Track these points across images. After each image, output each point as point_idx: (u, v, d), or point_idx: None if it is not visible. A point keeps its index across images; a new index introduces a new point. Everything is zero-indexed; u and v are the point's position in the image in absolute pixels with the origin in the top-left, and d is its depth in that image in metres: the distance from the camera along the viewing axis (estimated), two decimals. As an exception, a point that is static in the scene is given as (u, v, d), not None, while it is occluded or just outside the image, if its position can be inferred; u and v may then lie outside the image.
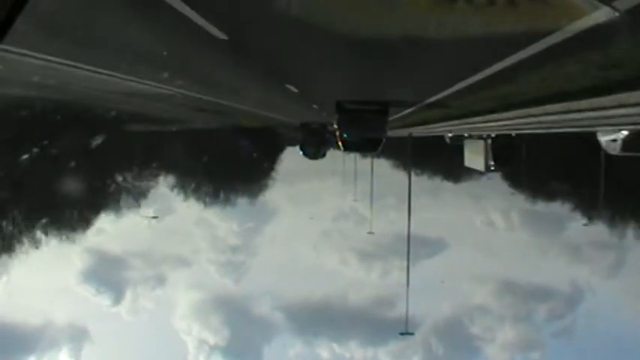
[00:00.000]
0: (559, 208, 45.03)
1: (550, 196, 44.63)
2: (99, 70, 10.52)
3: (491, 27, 6.45)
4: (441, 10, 6.19)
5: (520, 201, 48.16)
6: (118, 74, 11.23)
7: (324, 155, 39.86)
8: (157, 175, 44.30)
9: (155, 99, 16.40)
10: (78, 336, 40.84)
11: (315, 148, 37.70)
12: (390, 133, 29.88)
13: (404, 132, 31.99)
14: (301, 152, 38.44)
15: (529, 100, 11.54)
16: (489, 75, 8.93)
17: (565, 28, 5.83)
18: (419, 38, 7.26)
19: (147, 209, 43.76)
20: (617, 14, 4.97)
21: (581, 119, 12.25)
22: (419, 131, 31.08)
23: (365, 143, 19.48)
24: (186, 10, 6.35)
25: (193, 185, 46.90)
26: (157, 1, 6.45)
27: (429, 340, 42.57)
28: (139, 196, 42.19)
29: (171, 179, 46.17)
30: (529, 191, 46.11)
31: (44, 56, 8.92)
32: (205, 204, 48.11)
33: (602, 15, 5.12)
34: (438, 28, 6.74)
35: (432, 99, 13.83)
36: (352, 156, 44.78)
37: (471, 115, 16.75)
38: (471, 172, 47.20)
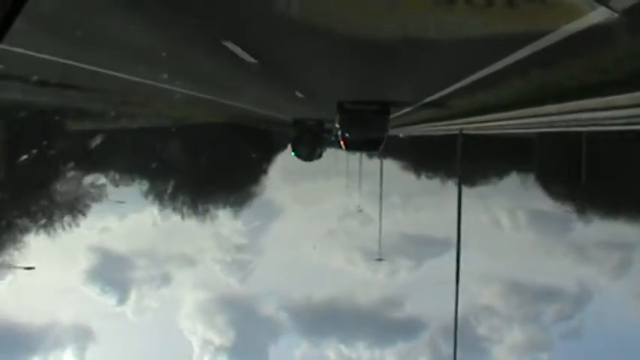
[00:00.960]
0: None
1: None
2: (97, 69, 10.55)
3: (489, 27, 6.47)
4: (440, 11, 6.22)
5: None
6: (117, 73, 11.24)
7: (320, 156, 34.93)
8: (130, 181, 37.60)
9: (151, 95, 16.28)
10: (82, 336, 40.56)
11: (309, 148, 32.90)
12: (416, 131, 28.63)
13: (448, 127, 27.33)
14: (292, 153, 33.47)
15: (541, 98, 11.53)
16: (489, 74, 8.95)
17: (562, 29, 5.85)
18: (419, 38, 7.28)
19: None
20: (614, 14, 4.99)
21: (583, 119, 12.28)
22: (477, 127, 21.96)
23: (366, 142, 19.69)
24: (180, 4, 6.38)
25: (170, 191, 40.60)
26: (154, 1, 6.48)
27: (436, 341, 41.70)
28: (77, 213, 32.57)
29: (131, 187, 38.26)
30: None
31: (44, 56, 8.94)
32: (183, 215, 40.92)
33: (599, 15, 5.14)
34: (438, 28, 6.76)
35: (440, 95, 13.65)
36: (357, 155, 40.94)
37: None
38: (488, 176, 42.11)
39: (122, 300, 37.68)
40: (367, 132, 18.16)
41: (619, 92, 8.60)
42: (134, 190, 38.34)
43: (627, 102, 9.02)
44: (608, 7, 4.85)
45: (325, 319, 40.61)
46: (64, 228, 31.34)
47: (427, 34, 7.12)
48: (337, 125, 18.41)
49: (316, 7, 6.74)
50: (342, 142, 19.44)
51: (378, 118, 17.29)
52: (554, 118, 12.60)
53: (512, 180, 42.57)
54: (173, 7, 6.50)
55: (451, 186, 41.25)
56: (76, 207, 31.75)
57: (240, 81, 14.03)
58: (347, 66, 10.60)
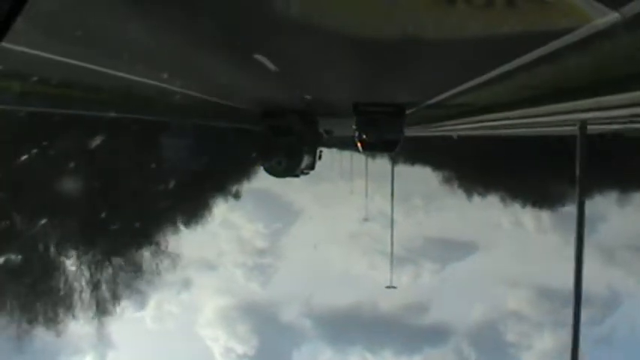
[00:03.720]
0: None
1: None
2: (97, 68, 10.52)
3: (494, 29, 6.46)
4: (443, 11, 6.20)
5: None
6: (117, 72, 11.20)
7: (311, 167, 23.10)
8: None
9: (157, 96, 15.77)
10: (102, 342, 39.35)
11: (288, 158, 20.45)
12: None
13: (453, 127, 22.75)
14: (262, 166, 21.44)
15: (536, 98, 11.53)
16: (492, 74, 8.95)
17: (571, 31, 5.84)
18: (420, 39, 7.27)
19: None
20: (615, 15, 4.98)
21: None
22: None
23: (382, 144, 19.96)
24: None
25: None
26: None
27: (462, 347, 40.15)
28: None
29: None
30: None
31: (44, 55, 8.93)
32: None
33: (606, 19, 5.13)
34: (440, 28, 6.75)
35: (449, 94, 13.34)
36: (381, 168, 32.40)
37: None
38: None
39: None
40: (382, 134, 18.36)
41: (621, 91, 8.60)
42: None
43: (628, 101, 9.03)
44: (613, 9, 4.83)
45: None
46: None
47: (428, 34, 7.11)
48: (354, 126, 18.59)
49: (317, 8, 6.73)
50: (359, 144, 19.69)
51: (393, 119, 17.50)
52: (556, 117, 12.60)
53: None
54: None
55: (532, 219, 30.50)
56: None
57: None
58: (347, 65, 10.60)
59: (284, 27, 7.19)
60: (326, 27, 6.94)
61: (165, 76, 12.18)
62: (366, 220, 39.51)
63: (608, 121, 12.57)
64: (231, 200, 35.55)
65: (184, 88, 13.95)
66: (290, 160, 20.49)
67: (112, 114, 16.47)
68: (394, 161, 30.24)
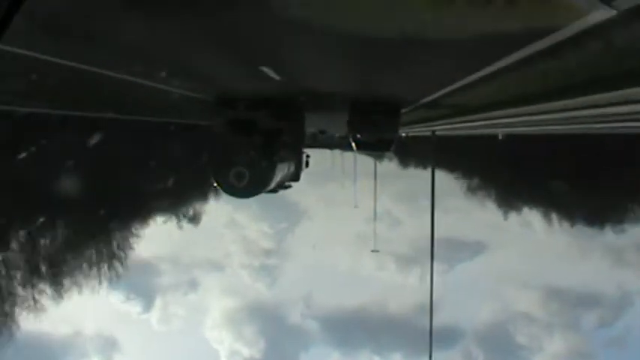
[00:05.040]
0: None
1: None
2: (97, 69, 10.51)
3: (492, 26, 6.47)
4: (441, 9, 6.21)
5: None
6: (115, 73, 11.20)
7: (294, 179, 18.08)
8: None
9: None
10: (108, 346, 38.94)
11: (249, 166, 13.53)
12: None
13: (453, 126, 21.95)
14: (214, 182, 14.02)
15: (530, 98, 11.56)
16: (488, 73, 8.95)
17: (565, 28, 5.85)
18: (419, 37, 7.27)
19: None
20: (615, 13, 4.99)
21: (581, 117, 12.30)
22: None
23: (376, 143, 19.90)
24: None
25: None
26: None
27: (470, 350, 39.65)
28: None
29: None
30: None
31: (43, 55, 8.93)
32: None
33: (601, 14, 5.14)
34: (438, 26, 6.76)
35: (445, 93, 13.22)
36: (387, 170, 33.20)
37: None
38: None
39: None
40: (376, 133, 18.25)
41: (620, 88, 8.61)
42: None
43: (629, 98, 9.04)
44: (610, 6, 4.84)
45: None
46: None
47: (427, 32, 7.11)
48: (348, 126, 18.49)
49: (316, 6, 6.73)
50: (353, 144, 19.63)
51: (388, 118, 17.32)
52: (557, 115, 12.61)
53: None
54: None
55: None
56: None
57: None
58: (345, 64, 10.59)
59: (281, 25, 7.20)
60: (322, 22, 6.95)
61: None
62: (375, 251, 35.09)
63: (606, 119, 12.58)
64: (186, 225, 32.93)
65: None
66: (255, 171, 13.58)
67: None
68: (403, 165, 27.06)
